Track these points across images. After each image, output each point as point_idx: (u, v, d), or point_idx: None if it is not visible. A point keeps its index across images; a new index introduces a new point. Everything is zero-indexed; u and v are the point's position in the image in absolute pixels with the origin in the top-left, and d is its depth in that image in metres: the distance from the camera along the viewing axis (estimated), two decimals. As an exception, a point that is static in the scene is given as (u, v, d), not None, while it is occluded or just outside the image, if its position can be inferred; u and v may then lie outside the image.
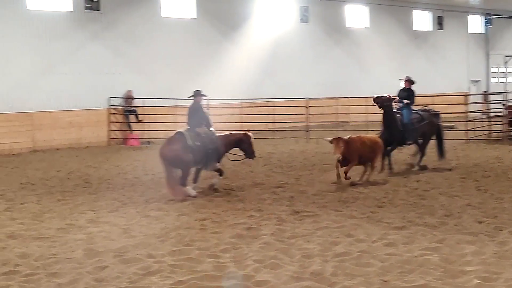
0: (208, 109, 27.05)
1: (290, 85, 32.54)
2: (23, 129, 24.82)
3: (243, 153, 16.33)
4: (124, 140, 27.49)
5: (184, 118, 16.01)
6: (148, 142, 27.23)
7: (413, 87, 19.21)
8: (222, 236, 11.31)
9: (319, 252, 10.17)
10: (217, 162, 15.67)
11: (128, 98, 27.61)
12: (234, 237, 11.24)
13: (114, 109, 27.49)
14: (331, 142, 16.10)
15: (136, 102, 27.73)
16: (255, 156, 16.51)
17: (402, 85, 19.28)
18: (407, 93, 18.97)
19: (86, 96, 26.52)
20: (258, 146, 24.05)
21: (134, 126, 27.72)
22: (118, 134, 27.75)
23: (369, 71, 37.15)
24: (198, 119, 15.66)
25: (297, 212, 13.08)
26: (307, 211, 13.18)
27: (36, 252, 10.42)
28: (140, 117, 27.52)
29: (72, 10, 26.25)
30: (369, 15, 38.10)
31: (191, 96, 16.04)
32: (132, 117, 27.67)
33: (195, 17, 30.33)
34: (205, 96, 16.12)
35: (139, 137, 27.46)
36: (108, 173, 19.01)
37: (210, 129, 15.70)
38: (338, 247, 10.41)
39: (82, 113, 26.52)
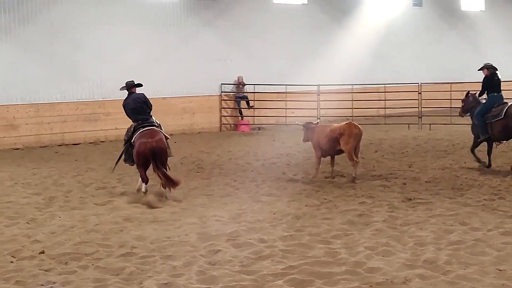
0: (319, 95, 27.14)
1: (402, 70, 31.98)
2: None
3: None
4: (235, 126, 27.79)
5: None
6: (259, 128, 27.45)
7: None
8: (333, 222, 11.30)
9: (432, 240, 10.01)
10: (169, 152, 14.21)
11: (239, 84, 27.86)
12: (345, 223, 11.21)
13: (225, 95, 27.81)
14: None
15: (247, 89, 27.95)
16: None
17: None
18: None
19: (199, 83, 26.88)
20: (369, 132, 23.89)
21: (245, 112, 27.95)
22: (230, 120, 28.07)
23: (485, 55, 35.97)
24: (148, 108, 14.17)
25: (410, 199, 12.92)
26: (420, 198, 13.00)
27: (151, 235, 10.70)
28: (251, 103, 27.71)
29: (185, -2, 26.71)
30: (485, -3, 37.02)
31: (124, 88, 14.47)
32: (243, 103, 27.90)
33: (306, 2, 30.23)
34: (140, 86, 14.53)
35: (250, 123, 27.68)
36: (220, 159, 19.27)
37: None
38: (452, 235, 10.22)
39: (195, 100, 26.93)
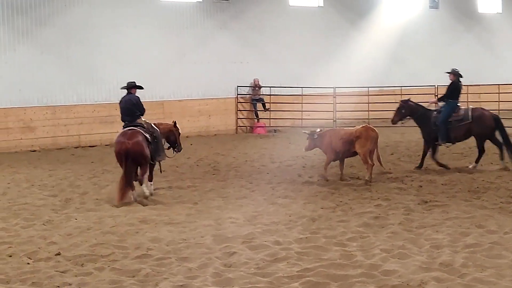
0: (335, 97, 27.10)
1: (418, 73, 31.82)
2: (155, 117, 25.42)
3: (169, 145, 15.18)
4: (251, 128, 27.80)
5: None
6: (275, 131, 27.43)
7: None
8: (349, 224, 11.28)
9: (448, 242, 9.98)
10: (161, 154, 14.58)
11: (255, 86, 27.87)
12: (361, 225, 11.19)
13: (241, 97, 27.82)
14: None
15: (263, 91, 27.95)
16: (181, 149, 15.44)
17: None
18: None
19: (215, 85, 26.92)
20: (385, 135, 23.81)
21: (261, 114, 27.95)
22: (246, 122, 28.09)
23: (502, 57, 35.91)
24: (138, 111, 14.25)
25: (426, 202, 12.88)
26: (436, 201, 12.96)
27: (167, 237, 10.72)
28: (267, 105, 27.72)
29: (201, 0, 26.70)
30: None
31: (124, 88, 14.47)
32: (259, 106, 27.91)
33: (322, 5, 30.19)
34: (140, 88, 14.61)
35: (266, 125, 27.69)
36: (236, 161, 19.29)
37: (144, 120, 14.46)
38: (469, 238, 10.17)
39: (211, 102, 26.97)
